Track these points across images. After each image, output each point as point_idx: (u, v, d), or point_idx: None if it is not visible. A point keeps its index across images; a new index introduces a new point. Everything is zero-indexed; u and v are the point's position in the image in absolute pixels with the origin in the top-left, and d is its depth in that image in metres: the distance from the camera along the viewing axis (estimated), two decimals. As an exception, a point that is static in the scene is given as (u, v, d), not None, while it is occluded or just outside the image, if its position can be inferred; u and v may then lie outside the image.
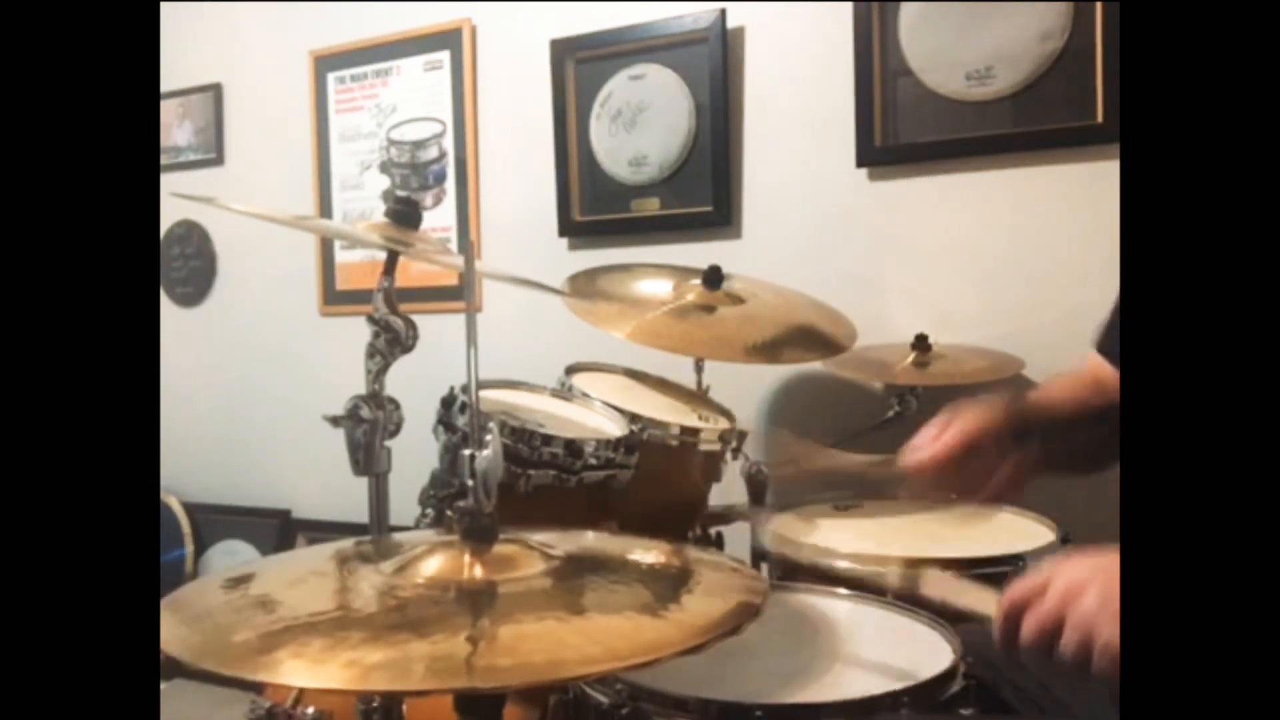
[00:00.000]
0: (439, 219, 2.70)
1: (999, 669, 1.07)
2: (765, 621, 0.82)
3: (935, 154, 2.08)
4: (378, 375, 1.25)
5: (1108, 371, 1.21)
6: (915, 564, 1.13)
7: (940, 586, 1.06)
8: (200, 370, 3.14)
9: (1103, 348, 1.23)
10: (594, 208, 2.48)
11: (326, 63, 2.87)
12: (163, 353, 2.88)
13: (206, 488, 3.12)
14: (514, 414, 1.47)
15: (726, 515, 1.80)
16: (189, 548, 3.07)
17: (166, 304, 3.21)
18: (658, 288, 1.89)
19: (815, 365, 2.11)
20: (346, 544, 0.98)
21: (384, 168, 2.80)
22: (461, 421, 1.41)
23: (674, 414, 1.71)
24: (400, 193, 2.75)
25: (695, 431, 1.66)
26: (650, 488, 1.55)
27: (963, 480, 1.18)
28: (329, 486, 2.77)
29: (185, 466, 3.11)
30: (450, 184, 2.70)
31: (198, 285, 3.16)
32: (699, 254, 2.18)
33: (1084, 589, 0.82)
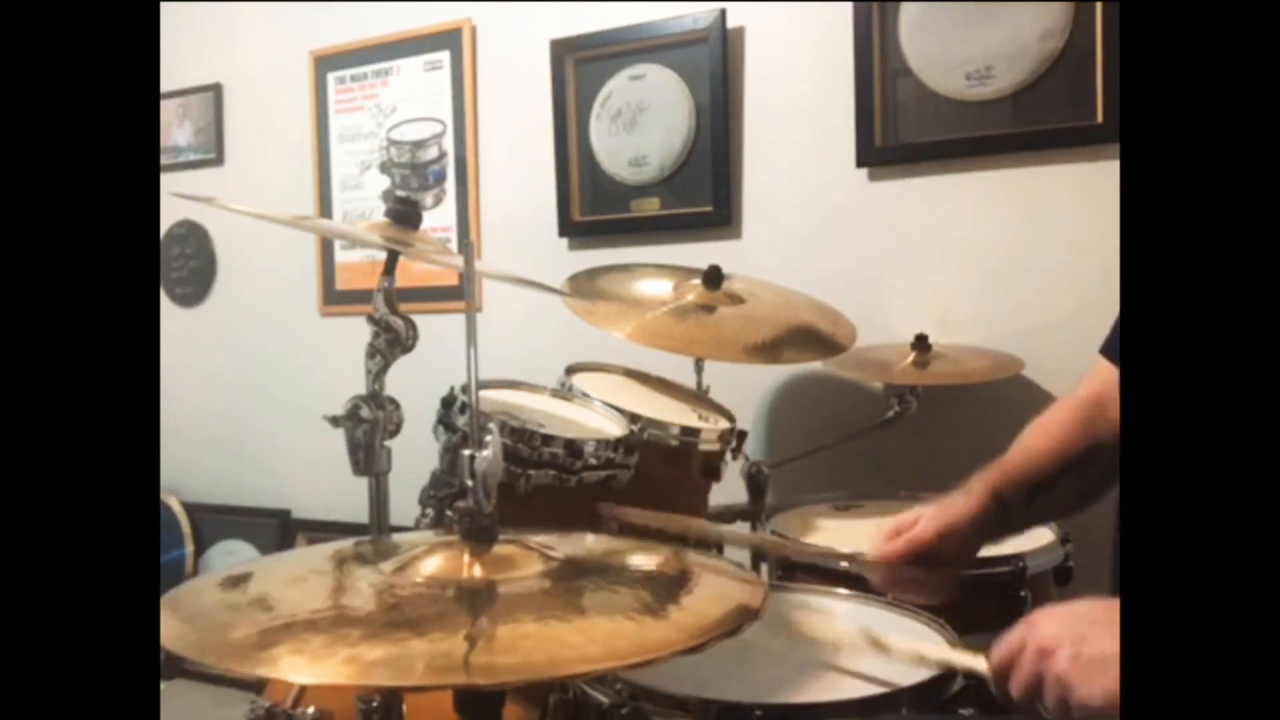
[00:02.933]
0: (439, 219, 2.70)
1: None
2: (765, 621, 0.82)
3: (935, 154, 2.08)
4: (378, 375, 1.25)
5: (1108, 386, 1.20)
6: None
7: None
8: (200, 370, 3.14)
9: (1110, 351, 1.23)
10: (594, 208, 2.48)
11: (326, 63, 2.87)
12: (163, 353, 2.88)
13: (206, 488, 3.12)
14: (514, 414, 1.47)
15: (726, 515, 1.80)
16: (189, 548, 3.07)
17: (166, 304, 3.21)
18: (658, 288, 1.89)
19: (815, 365, 2.11)
20: (346, 544, 0.98)
21: (384, 168, 2.80)
22: (461, 421, 1.41)
23: (674, 414, 1.71)
24: (400, 193, 2.75)
25: (695, 431, 1.66)
26: (650, 488, 1.55)
27: (911, 590, 1.22)
28: (329, 486, 2.77)
29: (185, 466, 3.11)
30: (450, 184, 2.70)
31: (198, 285, 3.16)
32: (699, 254, 2.18)
33: (1055, 650, 0.85)
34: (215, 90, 3.09)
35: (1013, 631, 0.91)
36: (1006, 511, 1.20)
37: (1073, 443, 1.20)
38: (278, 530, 2.97)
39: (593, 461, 1.45)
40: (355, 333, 1.37)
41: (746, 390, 2.21)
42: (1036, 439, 1.23)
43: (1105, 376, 1.22)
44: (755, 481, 1.76)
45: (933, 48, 2.06)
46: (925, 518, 1.20)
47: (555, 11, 2.50)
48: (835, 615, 1.23)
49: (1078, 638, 0.85)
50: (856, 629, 1.08)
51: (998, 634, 1.20)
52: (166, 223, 3.19)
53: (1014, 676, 0.89)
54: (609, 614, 0.79)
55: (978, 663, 0.97)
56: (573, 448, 1.43)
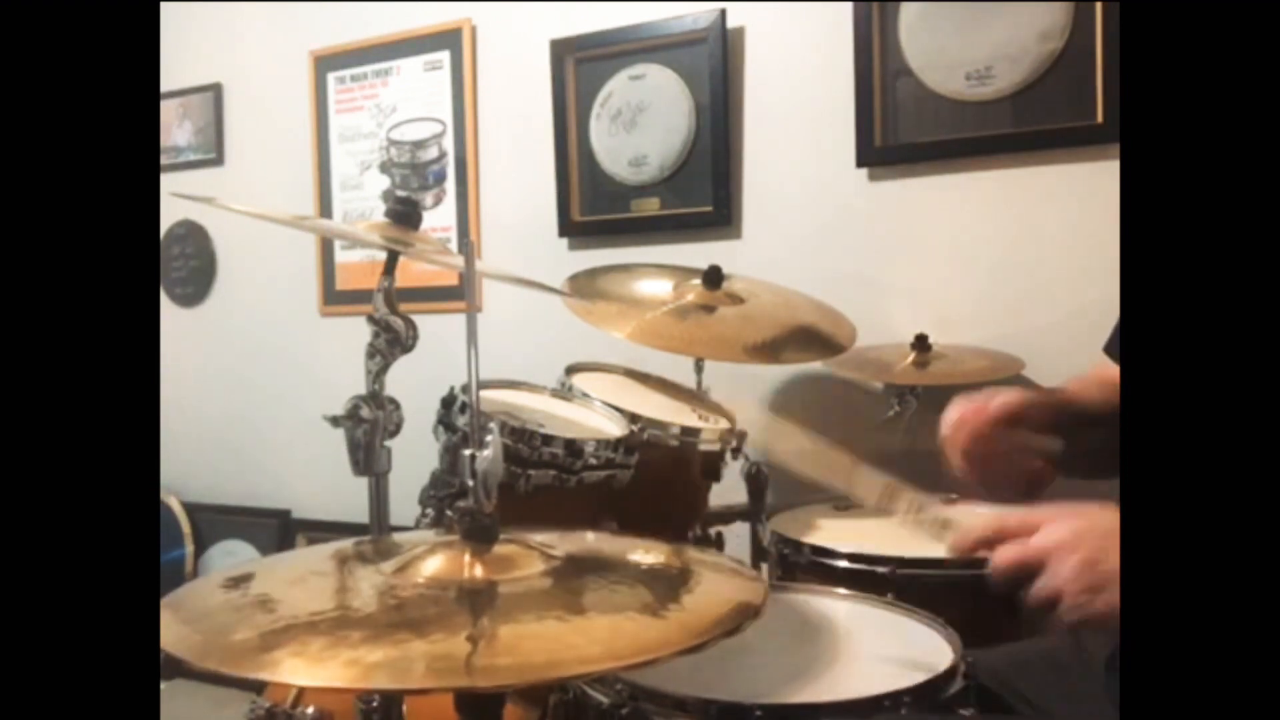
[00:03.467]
0: (439, 219, 2.70)
1: (1000, 672, 1.07)
2: (765, 621, 0.82)
3: (935, 154, 2.08)
4: (378, 375, 1.25)
5: (1116, 376, 1.20)
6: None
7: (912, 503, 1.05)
8: (200, 370, 3.14)
9: (1112, 351, 1.23)
10: (594, 208, 2.48)
11: (326, 63, 2.87)
12: (163, 353, 2.88)
13: (206, 488, 3.12)
14: (514, 414, 1.47)
15: (726, 515, 1.80)
16: (189, 548, 3.07)
17: (166, 304, 3.21)
18: (658, 288, 1.89)
19: (815, 365, 2.11)
20: (346, 544, 0.98)
21: (384, 168, 2.80)
22: (461, 421, 1.41)
23: (674, 414, 1.71)
24: (400, 193, 2.75)
25: (695, 431, 1.66)
26: (650, 488, 1.55)
27: (995, 465, 1.15)
28: (329, 486, 2.77)
29: (185, 466, 3.11)
30: (450, 184, 2.70)
31: (198, 285, 3.16)
32: (699, 254, 2.18)
33: (1070, 549, 0.84)
34: (215, 90, 3.09)
35: (1029, 511, 0.90)
36: (1047, 424, 1.15)
37: (1106, 399, 1.16)
38: (278, 530, 2.97)
39: (593, 461, 1.45)
40: (355, 333, 1.37)
41: (746, 390, 2.21)
42: (1077, 384, 1.20)
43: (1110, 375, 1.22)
44: (755, 481, 1.76)
45: (933, 48, 2.06)
46: (998, 395, 1.14)
47: (555, 11, 2.50)
48: (837, 615, 1.23)
49: (1091, 547, 0.84)
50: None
51: (997, 634, 1.20)
52: (166, 223, 3.19)
53: (1011, 547, 0.88)
54: (609, 614, 0.79)
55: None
56: (573, 448, 1.43)
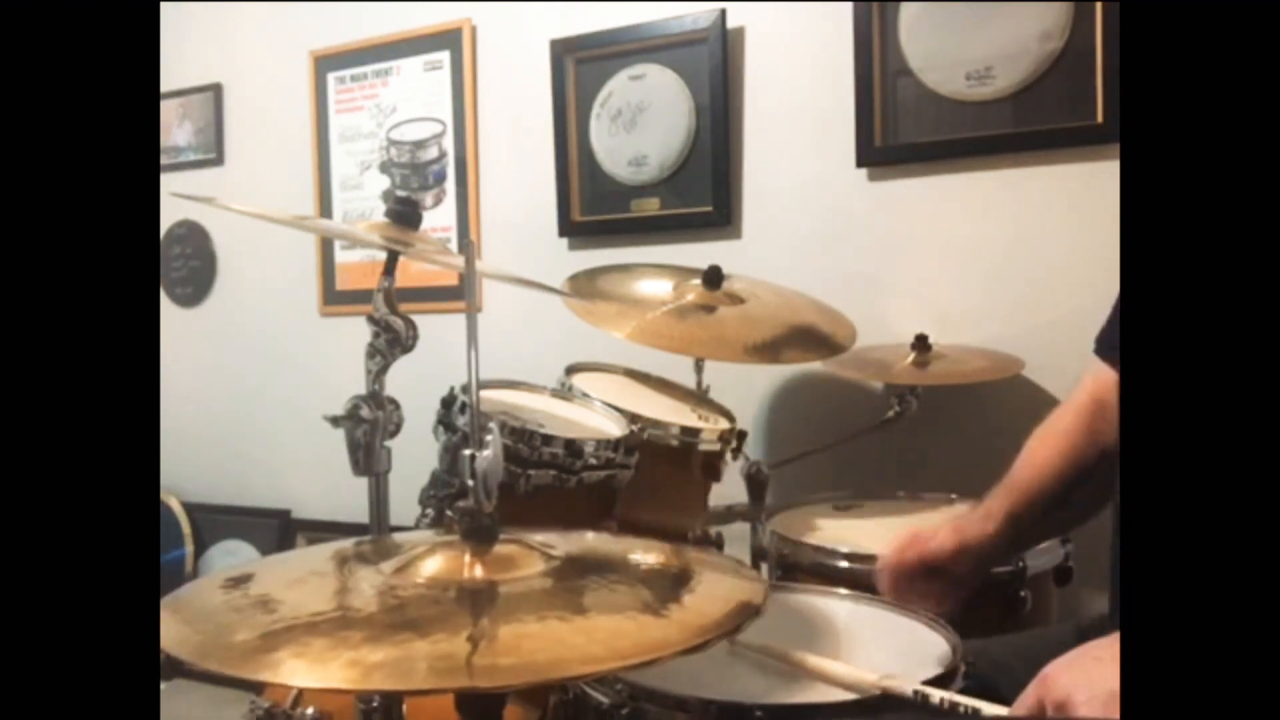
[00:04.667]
0: (439, 219, 2.70)
1: (1002, 663, 1.07)
2: (765, 621, 0.82)
3: (935, 154, 2.08)
4: (378, 375, 1.25)
5: (1107, 388, 1.21)
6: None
7: None
8: (200, 370, 3.14)
9: (1103, 350, 1.23)
10: (594, 208, 2.48)
11: (326, 63, 2.87)
12: (163, 353, 2.88)
13: (206, 488, 3.12)
14: (514, 414, 1.47)
15: (726, 515, 1.80)
16: (189, 548, 3.07)
17: (166, 304, 3.21)
18: (658, 288, 1.89)
19: (815, 365, 2.11)
20: (346, 544, 0.98)
21: (384, 168, 2.80)
22: (461, 421, 1.41)
23: (674, 414, 1.71)
24: (400, 193, 2.75)
25: (695, 431, 1.66)
26: (650, 488, 1.55)
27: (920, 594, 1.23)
28: (329, 486, 2.77)
29: (185, 466, 3.11)
30: (450, 184, 2.70)
31: (198, 285, 3.16)
32: (699, 254, 2.18)
33: (1071, 697, 0.85)
34: (215, 90, 3.09)
35: (1027, 692, 0.90)
36: (1021, 533, 1.22)
37: (1081, 452, 1.21)
38: (278, 530, 2.97)
39: (593, 461, 1.45)
40: (355, 333, 1.37)
41: (746, 390, 2.21)
42: (1044, 452, 1.23)
43: (1104, 379, 1.22)
44: (755, 481, 1.76)
45: (933, 48, 2.06)
46: (943, 532, 1.22)
47: (555, 11, 2.50)
48: (837, 615, 1.23)
49: (1090, 681, 0.84)
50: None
51: (996, 634, 1.20)
52: (166, 223, 3.19)
53: None
54: (610, 614, 0.79)
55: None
56: (573, 448, 1.43)
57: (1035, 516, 1.21)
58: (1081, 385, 1.26)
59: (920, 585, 1.22)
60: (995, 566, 1.29)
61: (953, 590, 1.22)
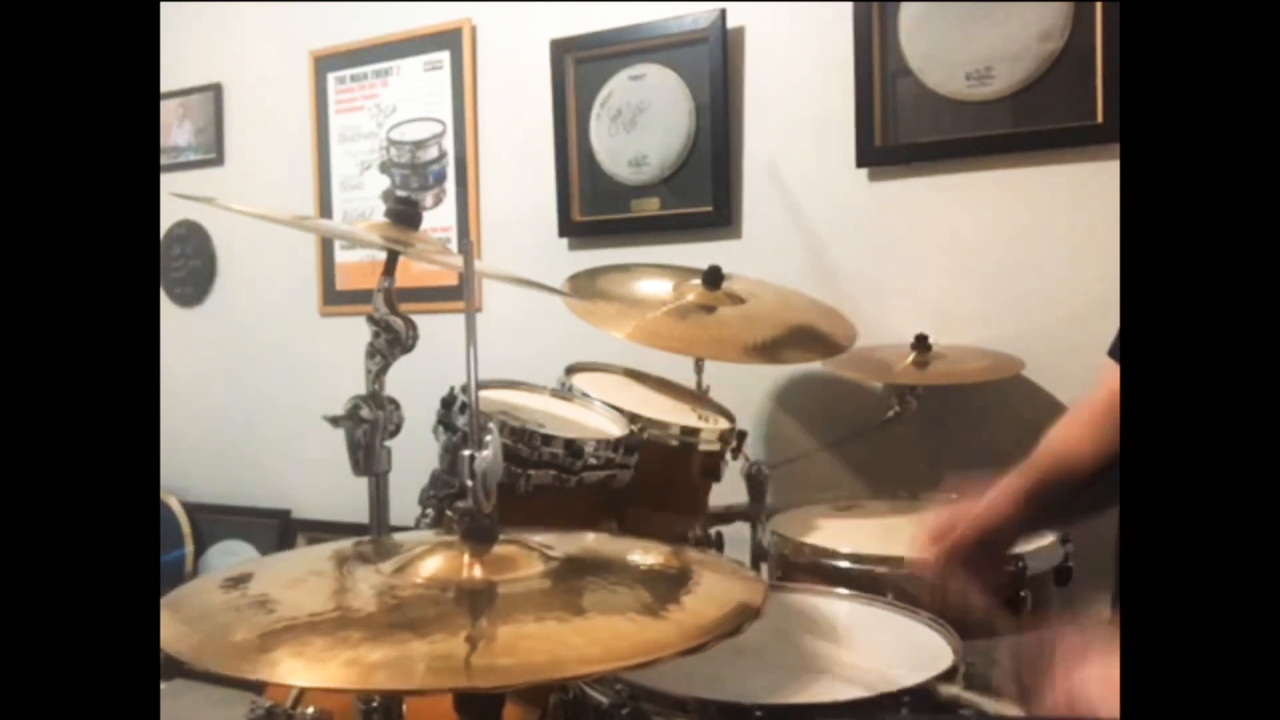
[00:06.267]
0: (439, 219, 2.70)
1: (1000, 669, 1.07)
2: (765, 621, 0.82)
3: (935, 154, 2.08)
4: (378, 375, 1.25)
5: (1076, 439, 1.21)
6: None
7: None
8: (200, 370, 3.14)
9: (1116, 355, 1.23)
10: (594, 208, 2.48)
11: (326, 63, 2.87)
12: (163, 353, 2.88)
13: (206, 488, 3.12)
14: (514, 414, 1.47)
15: (726, 515, 1.80)
16: (189, 548, 3.07)
17: (166, 304, 3.21)
18: (658, 288, 1.89)
19: (815, 365, 2.11)
20: (346, 544, 0.98)
21: (384, 168, 2.80)
22: (461, 421, 1.41)
23: (674, 414, 1.71)
24: (400, 193, 2.75)
25: (695, 431, 1.66)
26: (650, 488, 1.55)
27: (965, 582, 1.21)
28: (329, 486, 2.77)
29: (185, 466, 3.11)
30: (450, 184, 2.70)
31: (198, 285, 3.16)
32: (699, 254, 2.18)
33: (1084, 688, 0.84)
34: (215, 90, 3.09)
35: (1052, 699, 0.89)
36: (1042, 516, 1.22)
37: (1103, 442, 1.19)
38: (278, 530, 2.97)
39: (593, 461, 1.45)
40: (355, 333, 1.37)
41: (746, 390, 2.21)
42: (1068, 438, 1.22)
43: (1118, 375, 1.22)
44: (755, 481, 1.76)
45: (933, 48, 2.06)
46: (965, 523, 1.20)
47: (555, 11, 2.50)
48: (837, 615, 1.23)
49: (1104, 671, 0.83)
50: None
51: (997, 632, 1.20)
52: (166, 223, 3.19)
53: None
54: (609, 614, 0.79)
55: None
56: (573, 448, 1.43)
57: (1057, 501, 1.19)
58: (1100, 382, 1.26)
59: (976, 560, 1.19)
60: (1011, 549, 1.27)
61: (983, 577, 1.20)
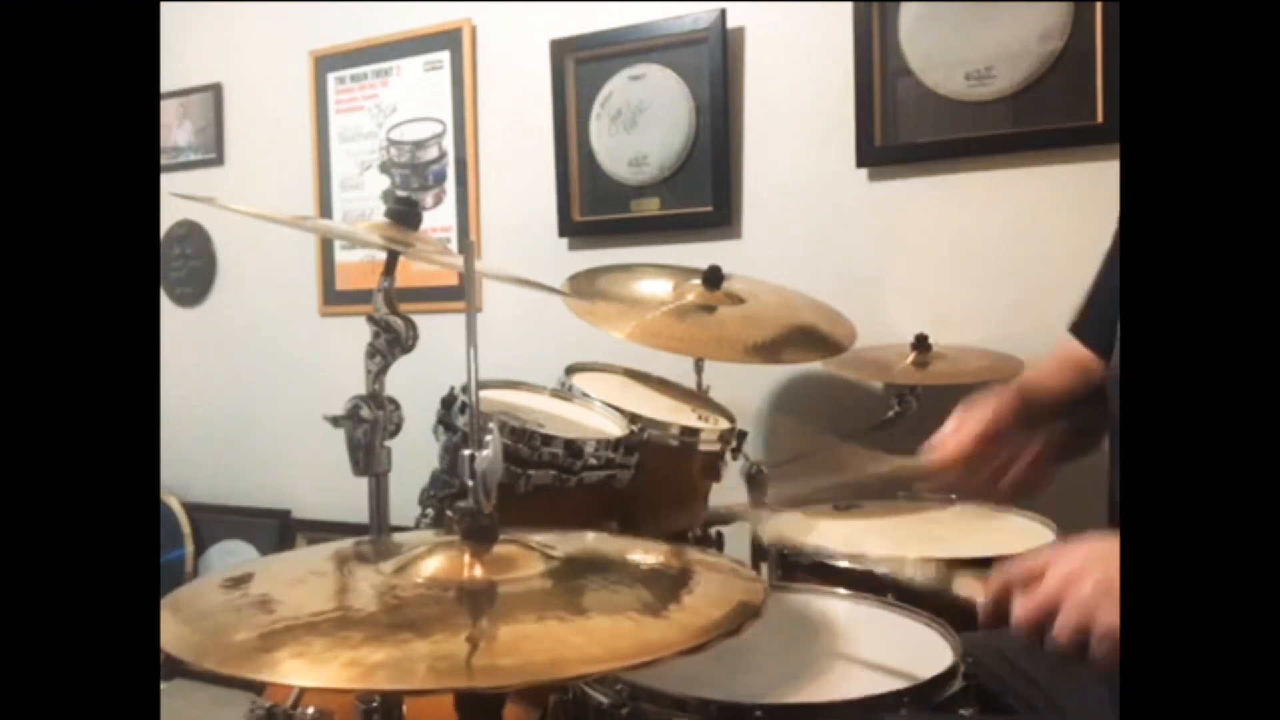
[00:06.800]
0: (439, 219, 2.70)
1: (1001, 672, 1.07)
2: (765, 621, 0.82)
3: (935, 154, 2.08)
4: (378, 375, 1.25)
5: (1084, 355, 1.24)
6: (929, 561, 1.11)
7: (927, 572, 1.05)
8: (200, 370, 3.14)
9: (1076, 330, 1.25)
10: (594, 208, 2.48)
11: (326, 63, 2.87)
12: (163, 353, 2.88)
13: (206, 488, 3.12)
14: (514, 414, 1.47)
15: (726, 515, 1.80)
16: (189, 548, 3.07)
17: (166, 304, 3.21)
18: (658, 288, 1.89)
19: (815, 365, 2.11)
20: (346, 544, 0.98)
21: (384, 168, 2.80)
22: (461, 421, 1.41)
23: (674, 414, 1.71)
24: (400, 193, 2.75)
25: (695, 431, 1.66)
26: (650, 488, 1.55)
27: (986, 473, 1.20)
28: (329, 486, 2.77)
29: (185, 466, 3.11)
30: (450, 184, 2.70)
31: (198, 285, 3.16)
32: (699, 254, 2.18)
33: (1083, 575, 0.81)
34: (215, 90, 3.09)
35: (1028, 555, 0.87)
36: (1036, 412, 1.21)
37: (1075, 382, 1.23)
38: (278, 530, 2.97)
39: (593, 461, 1.45)
40: (355, 333, 1.37)
41: (746, 390, 2.21)
42: (1040, 374, 1.27)
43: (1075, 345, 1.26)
44: (755, 481, 1.76)
45: (933, 48, 2.06)
46: (972, 411, 1.20)
47: (555, 11, 2.50)
48: (837, 615, 1.23)
49: (1109, 569, 0.79)
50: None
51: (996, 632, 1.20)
52: (166, 223, 3.19)
53: (1024, 597, 0.84)
54: (610, 614, 0.79)
55: (974, 588, 0.93)
56: (573, 448, 1.43)
57: (1043, 406, 1.22)
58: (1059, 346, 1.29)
59: (989, 460, 1.18)
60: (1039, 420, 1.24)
61: (1020, 458, 1.19)
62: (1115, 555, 0.79)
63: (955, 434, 1.20)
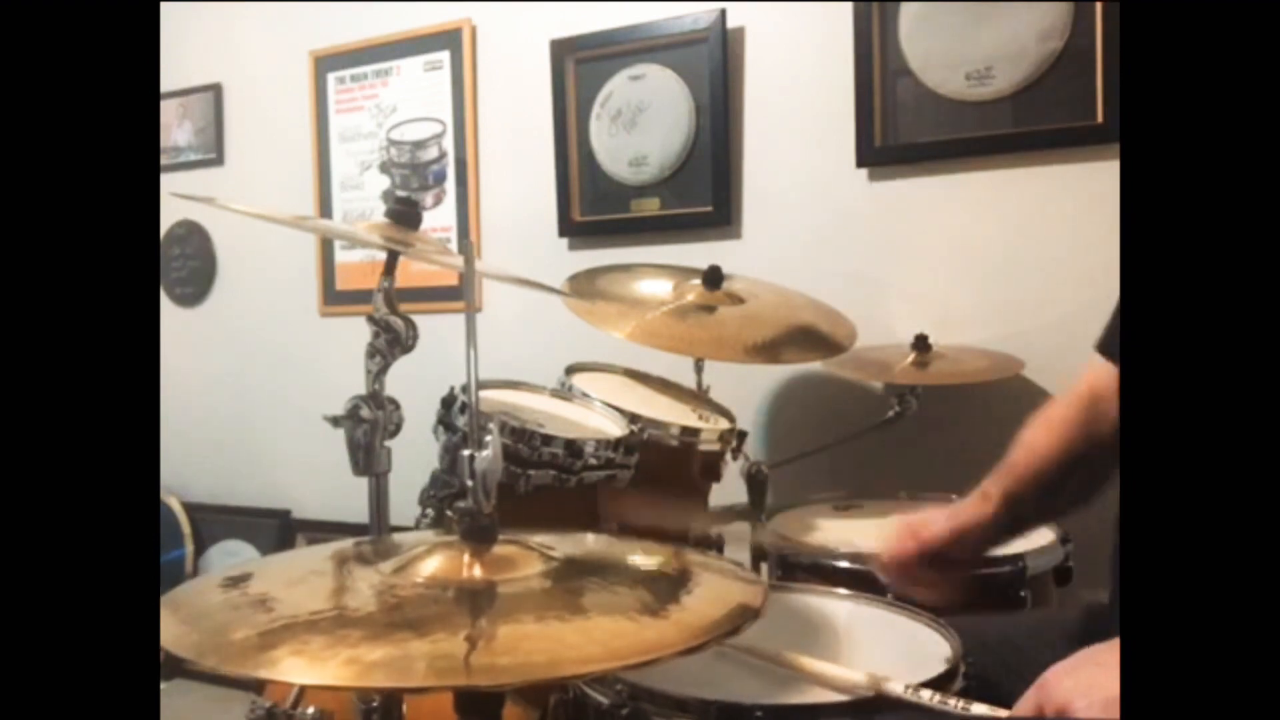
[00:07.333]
0: (439, 219, 2.70)
1: (1001, 672, 1.07)
2: (765, 621, 0.82)
3: (935, 154, 2.08)
4: (378, 375, 1.25)
5: (1105, 382, 1.21)
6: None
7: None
8: (200, 370, 3.14)
9: (1105, 349, 1.23)
10: (594, 208, 2.48)
11: (326, 63, 2.87)
12: (163, 353, 2.88)
13: (206, 488, 3.12)
14: (514, 414, 1.47)
15: (726, 515, 1.80)
16: (189, 548, 3.07)
17: (166, 304, 3.21)
18: (658, 288, 1.89)
19: (815, 365, 2.11)
20: (346, 544, 0.98)
21: (384, 168, 2.80)
22: (461, 421, 1.41)
23: (674, 414, 1.71)
24: (400, 193, 2.75)
25: (695, 431, 1.66)
26: (650, 488, 1.55)
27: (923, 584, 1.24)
28: (329, 486, 2.77)
29: (185, 466, 3.11)
30: (450, 184, 2.70)
31: (198, 285, 3.16)
32: (699, 254, 2.18)
33: (1071, 703, 0.83)
34: (215, 90, 3.09)
35: (1027, 696, 0.89)
36: (1018, 515, 1.23)
37: (1074, 442, 1.21)
38: (278, 530, 2.97)
39: (593, 461, 1.45)
40: (355, 333, 1.37)
41: (746, 390, 2.21)
42: (1041, 439, 1.24)
43: (1101, 373, 1.22)
44: (755, 481, 1.76)
45: (933, 48, 2.06)
46: (940, 519, 1.22)
47: (555, 11, 2.50)
48: (837, 615, 1.23)
49: (1090, 686, 0.83)
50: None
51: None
52: (166, 223, 3.19)
53: None
54: (609, 614, 0.79)
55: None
56: (573, 448, 1.43)
57: (1031, 500, 1.22)
58: (1081, 378, 1.26)
59: (922, 574, 1.22)
60: (992, 549, 1.29)
61: (956, 580, 1.23)
62: (1094, 665, 0.85)
63: (892, 549, 1.24)
